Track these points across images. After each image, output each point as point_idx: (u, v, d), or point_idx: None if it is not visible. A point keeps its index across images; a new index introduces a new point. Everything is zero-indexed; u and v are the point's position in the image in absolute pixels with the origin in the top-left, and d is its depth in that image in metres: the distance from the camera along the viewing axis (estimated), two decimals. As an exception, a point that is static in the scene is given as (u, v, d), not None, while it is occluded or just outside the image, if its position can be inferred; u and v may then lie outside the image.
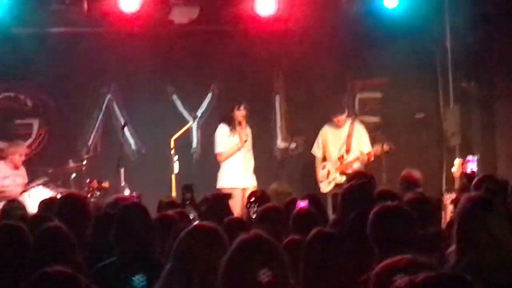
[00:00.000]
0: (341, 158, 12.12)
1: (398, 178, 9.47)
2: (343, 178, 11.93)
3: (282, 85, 13.70)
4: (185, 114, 13.30)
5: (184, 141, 12.54)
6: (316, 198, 7.41)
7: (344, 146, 12.22)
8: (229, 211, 7.02)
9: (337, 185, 11.92)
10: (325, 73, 13.31)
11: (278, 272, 3.34)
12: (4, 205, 8.90)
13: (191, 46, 13.10)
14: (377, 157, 12.16)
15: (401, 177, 8.69)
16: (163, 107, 13.22)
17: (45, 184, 11.57)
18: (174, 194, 10.81)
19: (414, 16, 12.84)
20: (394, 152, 12.58)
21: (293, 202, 7.67)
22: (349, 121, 12.36)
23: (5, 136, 12.50)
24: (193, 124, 12.57)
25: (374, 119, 13.74)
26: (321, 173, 12.29)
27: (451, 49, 13.20)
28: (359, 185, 6.04)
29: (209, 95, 13.49)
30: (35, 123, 13.13)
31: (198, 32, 13.13)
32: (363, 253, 4.77)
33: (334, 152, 12.27)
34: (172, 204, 7.79)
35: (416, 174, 8.72)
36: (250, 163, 11.93)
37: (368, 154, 12.06)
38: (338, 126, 12.36)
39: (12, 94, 13.06)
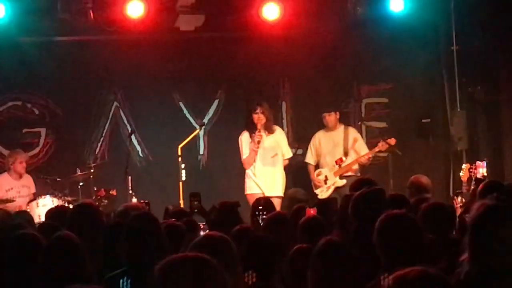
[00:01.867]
0: (339, 161, 12.04)
1: (404, 183, 9.45)
2: (343, 182, 11.92)
3: (288, 92, 13.71)
4: (192, 121, 13.32)
5: (191, 148, 12.54)
6: (325, 205, 7.40)
7: (341, 150, 12.17)
8: (238, 219, 7.00)
9: (337, 189, 11.93)
10: (331, 78, 13.33)
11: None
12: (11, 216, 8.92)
13: (197, 53, 13.12)
14: (382, 152, 12.12)
15: (410, 182, 8.67)
16: (170, 115, 13.24)
17: (52, 193, 11.58)
18: (181, 201, 10.81)
19: (420, 20, 12.85)
20: (401, 158, 12.59)
21: (301, 209, 7.69)
22: (342, 126, 12.32)
23: (12, 145, 12.53)
24: (200, 131, 12.53)
25: (380, 124, 13.75)
26: (317, 180, 12.25)
27: (457, 54, 13.18)
28: (371, 191, 6.00)
29: (216, 102, 13.50)
30: (43, 132, 13.14)
31: (204, 39, 13.14)
32: (374, 262, 4.77)
33: (329, 157, 12.22)
34: (179, 212, 7.79)
35: (425, 179, 8.71)
36: (269, 170, 11.70)
37: (367, 155, 12.01)
38: (329, 129, 12.32)
39: (19, 103, 13.07)
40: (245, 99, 13.00)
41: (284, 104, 13.70)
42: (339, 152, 12.14)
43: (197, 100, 13.42)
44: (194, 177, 12.01)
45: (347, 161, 12.05)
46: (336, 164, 12.05)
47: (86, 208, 6.89)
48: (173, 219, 6.70)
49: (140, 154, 13.23)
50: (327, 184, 12.08)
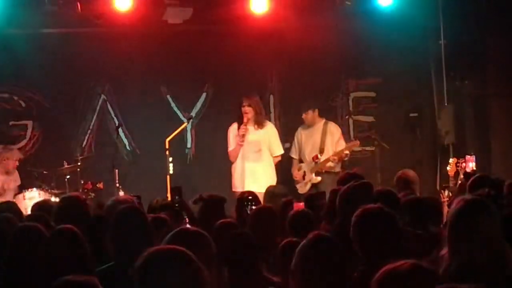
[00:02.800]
0: (315, 158, 12.02)
1: (392, 177, 9.46)
2: (318, 179, 11.93)
3: (276, 85, 13.70)
4: (179, 114, 13.30)
5: (179, 142, 12.52)
6: (313, 199, 7.40)
7: (318, 146, 12.18)
8: (222, 214, 7.00)
9: (313, 186, 11.92)
10: (319, 72, 13.32)
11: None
12: None
13: (185, 46, 13.09)
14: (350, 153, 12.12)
15: (397, 177, 8.67)
16: (157, 108, 13.21)
17: (39, 186, 11.55)
18: (169, 195, 10.78)
19: (408, 14, 12.84)
20: (388, 152, 12.62)
21: (289, 203, 7.70)
22: (322, 121, 12.30)
23: (3, 141, 12.48)
24: (187, 125, 12.49)
25: (368, 118, 13.78)
26: (297, 174, 12.25)
27: (445, 48, 13.20)
28: (359, 185, 6.00)
29: (203, 95, 13.48)
30: (29, 124, 13.10)
31: (192, 32, 13.11)
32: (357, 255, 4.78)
33: (308, 153, 12.21)
34: (165, 205, 7.78)
35: (412, 173, 8.71)
36: (251, 165, 11.55)
37: (341, 152, 11.99)
38: (308, 125, 12.32)
39: (6, 95, 13.01)
40: (233, 93, 13.01)
41: (272, 97, 13.69)
42: (316, 149, 12.14)
43: (184, 93, 13.40)
44: (181, 171, 11.99)
45: (322, 158, 12.03)
46: (313, 161, 12.05)
47: (72, 200, 6.87)
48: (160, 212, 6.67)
49: (127, 147, 13.20)
50: (305, 180, 12.08)
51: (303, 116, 12.30)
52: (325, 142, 12.12)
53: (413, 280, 3.30)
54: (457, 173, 9.89)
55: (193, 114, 13.10)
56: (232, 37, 12.98)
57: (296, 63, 13.13)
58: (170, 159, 10.91)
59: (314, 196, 7.64)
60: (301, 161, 12.34)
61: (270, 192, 9.08)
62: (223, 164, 12.75)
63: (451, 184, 9.88)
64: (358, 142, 12.21)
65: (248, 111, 11.46)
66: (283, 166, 12.43)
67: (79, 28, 12.87)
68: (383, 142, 12.61)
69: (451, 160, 10.12)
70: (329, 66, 13.39)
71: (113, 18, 12.57)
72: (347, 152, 11.92)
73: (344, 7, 12.92)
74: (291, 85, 13.44)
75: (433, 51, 13.46)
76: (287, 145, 12.79)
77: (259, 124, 11.61)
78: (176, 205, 7.40)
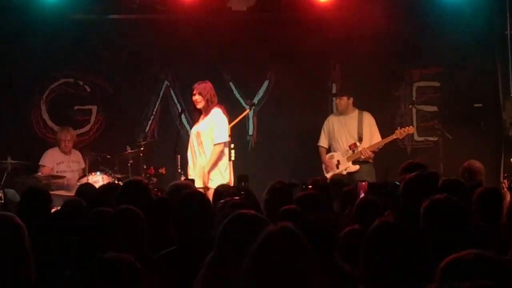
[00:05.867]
0: (353, 146, 11.94)
1: (455, 167, 9.37)
2: (356, 167, 11.84)
3: (339, 74, 13.63)
4: (242, 101, 13.33)
5: (240, 129, 12.54)
6: (379, 187, 7.35)
7: (354, 134, 12.07)
8: (289, 200, 6.98)
9: (349, 174, 11.82)
10: (382, 61, 13.22)
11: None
12: (80, 187, 9.14)
13: (248, 33, 13.11)
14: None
15: (463, 167, 8.58)
16: (219, 94, 13.18)
17: (102, 170, 11.68)
18: (231, 182, 10.81)
19: (473, 4, 12.71)
20: (451, 142, 12.48)
21: (350, 192, 7.67)
22: (356, 110, 12.20)
23: (63, 122, 12.67)
24: (249, 112, 12.49)
25: (431, 108, 13.63)
26: (328, 163, 12.14)
27: (510, 38, 13.01)
28: (426, 175, 5.94)
29: (266, 82, 13.48)
30: (94, 109, 13.26)
31: (256, 19, 13.14)
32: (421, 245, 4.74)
33: (342, 141, 12.13)
34: (230, 192, 7.79)
35: (478, 164, 8.62)
36: (196, 160, 10.66)
37: (380, 143, 11.92)
38: (340, 113, 12.25)
39: (71, 80, 13.18)
40: (295, 80, 13.01)
41: (334, 86, 13.63)
42: (353, 137, 12.04)
43: (247, 80, 13.41)
44: (242, 158, 12.01)
45: (361, 146, 11.94)
46: (350, 149, 11.95)
47: (136, 184, 6.93)
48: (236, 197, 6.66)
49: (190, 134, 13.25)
50: (339, 168, 11.97)
51: (337, 101, 12.28)
52: (363, 130, 12.03)
53: (477, 269, 3.28)
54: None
55: (255, 101, 13.10)
56: (295, 24, 12.96)
57: (359, 51, 13.03)
58: (232, 145, 10.91)
59: (380, 184, 7.59)
60: (329, 150, 12.25)
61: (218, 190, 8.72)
62: (285, 151, 12.79)
63: (515, 175, 9.76)
64: (401, 132, 12.01)
65: (199, 101, 10.66)
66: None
67: (143, 14, 12.98)
68: (447, 132, 12.46)
69: (515, 152, 10.01)
70: (392, 55, 13.29)
71: (177, 5, 12.66)
72: (383, 144, 11.92)
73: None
74: (353, 74, 13.34)
75: (498, 40, 13.26)
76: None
77: (206, 112, 10.62)
78: (242, 192, 7.41)
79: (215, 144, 10.51)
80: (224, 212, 5.03)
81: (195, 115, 10.85)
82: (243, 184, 7.67)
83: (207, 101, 10.58)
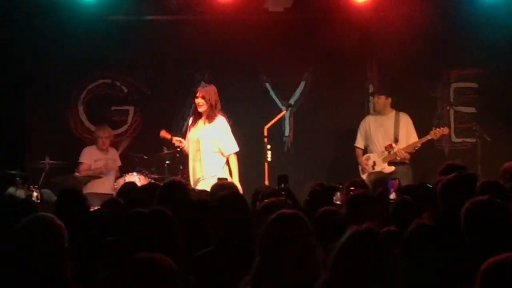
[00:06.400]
0: (388, 147, 11.81)
1: (494, 169, 9.26)
2: (392, 168, 11.73)
3: (376, 74, 13.57)
4: (278, 102, 13.32)
5: (277, 130, 12.52)
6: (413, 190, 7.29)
7: (391, 135, 11.96)
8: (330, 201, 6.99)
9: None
10: (419, 62, 13.13)
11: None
12: (123, 186, 9.24)
13: (285, 34, 13.06)
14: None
15: (503, 168, 8.46)
16: (256, 96, 13.26)
17: (139, 171, 11.74)
18: (267, 182, 10.81)
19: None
20: (489, 144, 12.37)
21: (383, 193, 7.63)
22: (393, 111, 12.06)
23: (101, 122, 12.75)
24: (286, 113, 12.46)
25: (469, 109, 13.51)
26: (365, 165, 12.01)
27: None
28: (465, 176, 5.89)
29: (302, 84, 13.46)
30: (131, 110, 13.34)
31: (292, 21, 13.12)
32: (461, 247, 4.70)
33: (379, 142, 12.00)
34: (270, 193, 7.78)
35: (521, 165, 8.50)
36: (194, 166, 10.59)
37: (415, 144, 11.79)
38: (378, 113, 12.14)
39: (109, 81, 13.28)
40: (332, 82, 12.98)
41: (371, 87, 13.56)
42: (389, 138, 11.94)
43: (283, 81, 13.40)
44: (279, 159, 11.99)
45: (397, 147, 11.84)
46: (386, 150, 11.85)
47: (176, 185, 6.95)
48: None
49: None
50: (375, 169, 11.87)
51: (375, 100, 12.18)
52: (399, 131, 11.94)
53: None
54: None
55: (291, 102, 13.07)
56: (332, 25, 12.91)
57: (396, 52, 12.96)
58: (269, 146, 10.91)
59: (416, 186, 7.54)
60: (365, 151, 12.19)
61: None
62: (321, 153, 12.76)
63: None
64: (435, 132, 11.89)
65: (201, 104, 10.49)
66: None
67: (180, 15, 13.03)
68: (485, 134, 12.35)
69: (556, 153, 9.87)
70: (430, 56, 13.19)
71: (213, 6, 12.68)
72: (419, 144, 11.78)
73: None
74: (390, 75, 13.27)
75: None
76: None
77: (210, 118, 10.47)
78: (283, 193, 7.40)
79: (229, 154, 10.48)
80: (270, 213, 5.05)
81: (195, 118, 10.73)
82: (283, 185, 7.68)
83: (210, 106, 10.41)
